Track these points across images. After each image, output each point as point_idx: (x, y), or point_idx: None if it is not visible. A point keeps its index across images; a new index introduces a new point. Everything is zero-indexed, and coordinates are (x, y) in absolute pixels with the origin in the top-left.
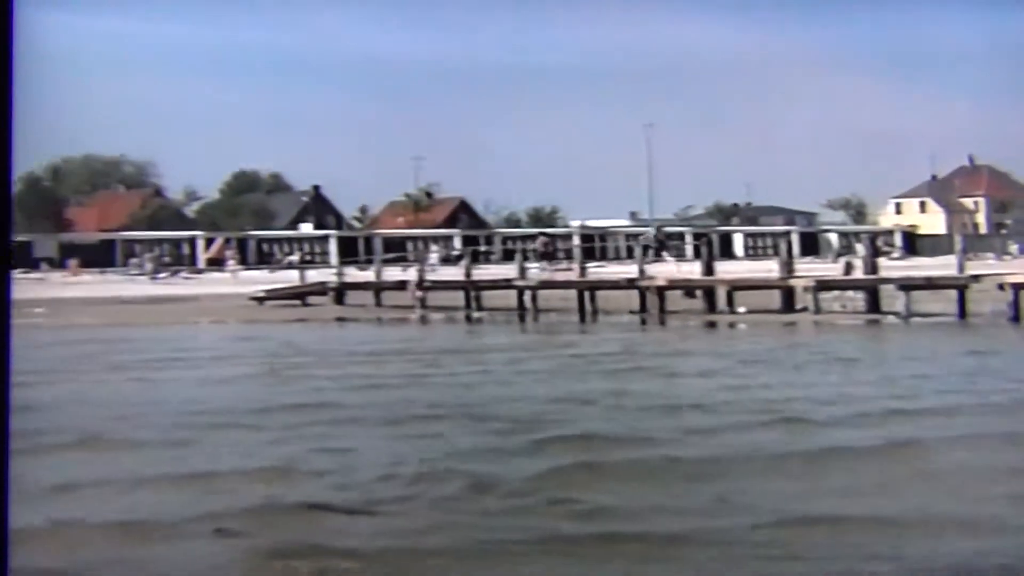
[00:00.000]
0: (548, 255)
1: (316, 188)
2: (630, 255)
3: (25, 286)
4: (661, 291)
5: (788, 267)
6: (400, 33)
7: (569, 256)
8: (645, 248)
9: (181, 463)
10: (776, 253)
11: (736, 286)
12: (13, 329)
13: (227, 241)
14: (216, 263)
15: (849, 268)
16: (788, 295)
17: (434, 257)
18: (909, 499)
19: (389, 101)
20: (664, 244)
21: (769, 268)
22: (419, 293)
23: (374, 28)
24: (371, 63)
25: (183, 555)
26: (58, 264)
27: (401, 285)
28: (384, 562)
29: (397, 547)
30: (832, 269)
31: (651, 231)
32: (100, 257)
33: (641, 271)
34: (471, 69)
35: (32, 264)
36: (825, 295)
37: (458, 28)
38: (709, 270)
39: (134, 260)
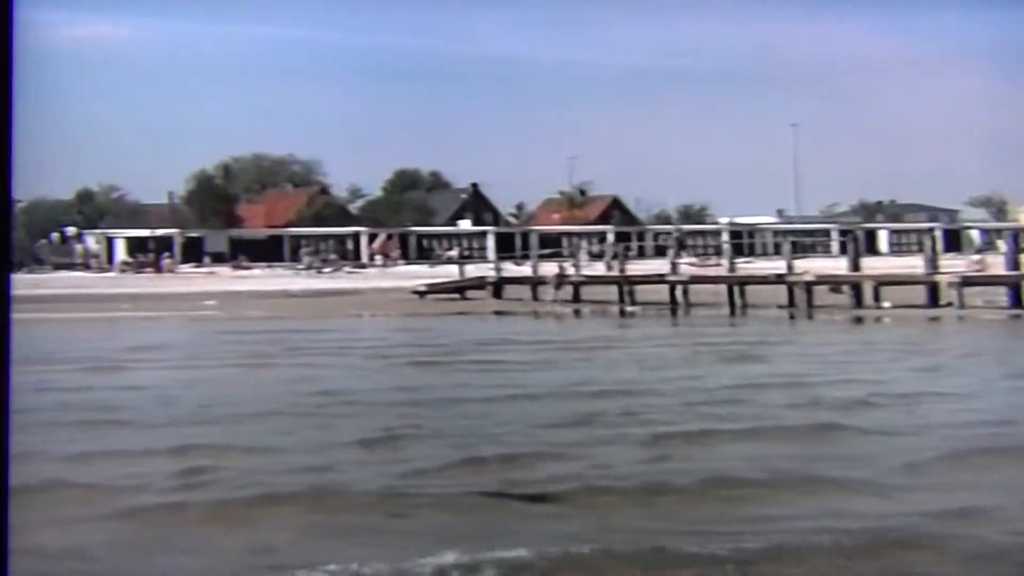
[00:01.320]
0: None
1: (474, 186)
2: (777, 251)
3: (196, 280)
4: (809, 286)
5: (933, 263)
6: (554, 35)
7: (718, 252)
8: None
9: None
10: (920, 249)
11: (882, 282)
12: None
13: (389, 237)
14: (380, 257)
15: (982, 265)
16: (933, 290)
17: (583, 253)
18: None
19: (545, 102)
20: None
21: (913, 264)
22: (557, 292)
23: (528, 30)
24: (525, 65)
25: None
26: (229, 259)
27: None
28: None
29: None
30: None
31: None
32: (268, 252)
33: (789, 266)
34: (623, 72)
35: (200, 259)
36: (969, 290)
37: (612, 31)
38: (856, 266)
39: (306, 256)
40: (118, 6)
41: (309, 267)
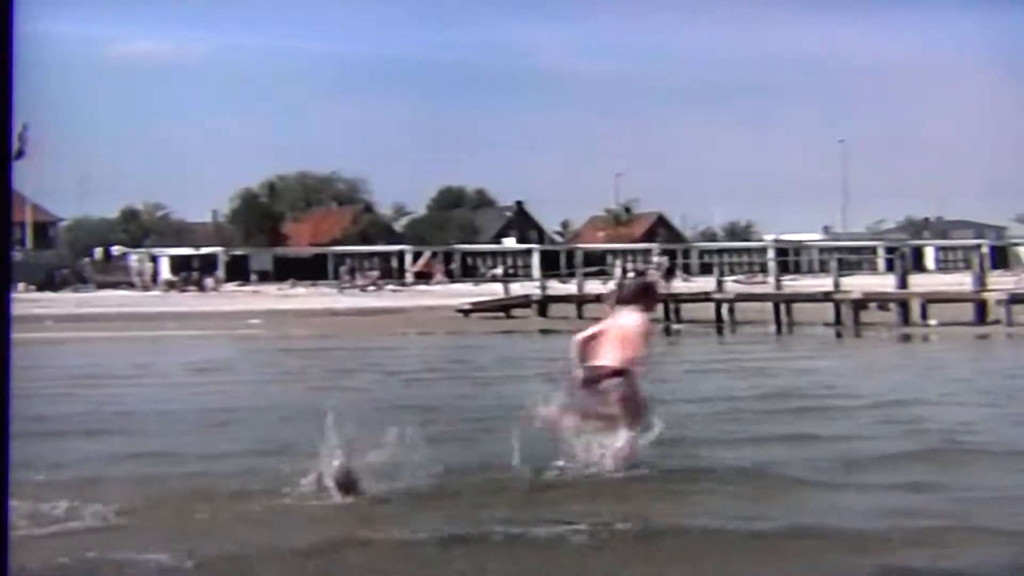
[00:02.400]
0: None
1: (519, 203)
2: (823, 268)
3: (240, 298)
4: (856, 304)
5: (981, 280)
6: (601, 51)
7: (764, 269)
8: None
9: None
10: (967, 266)
11: (930, 299)
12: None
13: (434, 255)
14: (424, 276)
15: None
16: (981, 308)
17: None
18: None
19: (590, 119)
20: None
21: (960, 281)
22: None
23: (575, 46)
24: (570, 81)
25: None
26: (274, 277)
27: (599, 298)
28: None
29: None
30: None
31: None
32: (313, 271)
33: (836, 284)
34: (670, 87)
35: (246, 277)
36: (1016, 307)
37: (658, 47)
38: (903, 283)
39: (344, 274)
40: (164, 23)
41: (342, 286)
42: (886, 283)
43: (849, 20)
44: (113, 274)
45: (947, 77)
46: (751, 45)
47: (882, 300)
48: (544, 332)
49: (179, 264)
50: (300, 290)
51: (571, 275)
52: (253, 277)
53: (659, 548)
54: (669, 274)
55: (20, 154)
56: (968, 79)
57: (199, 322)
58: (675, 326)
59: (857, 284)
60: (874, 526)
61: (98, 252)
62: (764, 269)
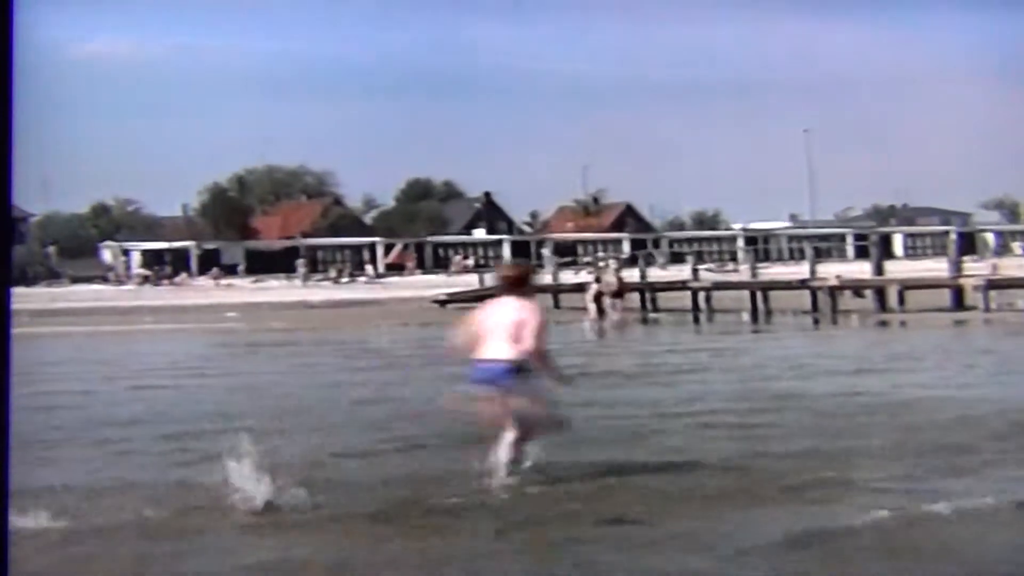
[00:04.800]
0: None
1: (487, 195)
2: (792, 256)
3: (214, 292)
4: (833, 291)
5: (957, 266)
6: (562, 47)
7: (733, 258)
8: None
9: None
10: (935, 253)
11: (907, 285)
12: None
13: (405, 247)
14: (397, 268)
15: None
16: (958, 294)
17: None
18: None
19: (554, 111)
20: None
21: (928, 267)
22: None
23: (536, 42)
24: (533, 75)
25: None
26: (246, 271)
27: (578, 288)
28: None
29: None
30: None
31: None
32: (284, 264)
33: (812, 271)
34: (632, 81)
35: (230, 270)
36: (992, 293)
37: (623, 44)
38: (880, 270)
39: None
40: (131, 21)
41: (303, 276)
42: (857, 270)
43: (810, 14)
44: (85, 269)
45: (911, 69)
46: (712, 39)
47: (860, 287)
48: None
49: (151, 258)
50: (272, 283)
51: (541, 266)
52: (240, 268)
53: None
54: (648, 262)
55: None
56: (931, 71)
57: (176, 315)
58: (652, 315)
59: (829, 271)
60: None
61: (52, 248)
62: (734, 258)
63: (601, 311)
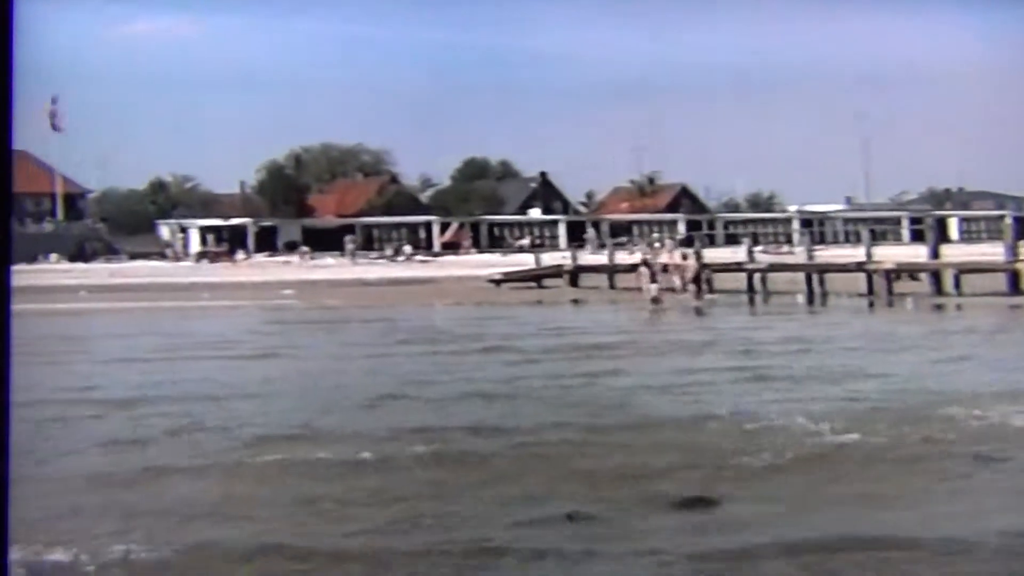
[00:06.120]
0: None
1: (543, 175)
2: (847, 239)
3: (271, 269)
4: (889, 274)
5: (1013, 250)
6: (623, 30)
7: (788, 240)
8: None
9: None
10: (990, 237)
11: (963, 269)
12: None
13: (461, 226)
14: (452, 247)
15: None
16: (1014, 278)
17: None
18: None
19: (613, 92)
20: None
21: (984, 252)
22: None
23: (596, 24)
24: (593, 57)
25: None
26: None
27: (632, 268)
28: None
29: None
30: None
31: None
32: (340, 241)
33: (868, 254)
34: (691, 66)
35: (275, 248)
36: None
37: (686, 30)
38: (936, 253)
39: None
40: (173, 4)
41: (352, 255)
42: (913, 253)
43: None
44: (143, 245)
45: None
46: (771, 27)
47: (916, 270)
48: (575, 302)
49: (209, 235)
50: (328, 260)
51: (601, 246)
52: (304, 249)
53: None
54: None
55: (55, 128)
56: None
57: (232, 292)
58: (708, 296)
59: (886, 254)
60: None
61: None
62: (789, 240)
63: (655, 297)
